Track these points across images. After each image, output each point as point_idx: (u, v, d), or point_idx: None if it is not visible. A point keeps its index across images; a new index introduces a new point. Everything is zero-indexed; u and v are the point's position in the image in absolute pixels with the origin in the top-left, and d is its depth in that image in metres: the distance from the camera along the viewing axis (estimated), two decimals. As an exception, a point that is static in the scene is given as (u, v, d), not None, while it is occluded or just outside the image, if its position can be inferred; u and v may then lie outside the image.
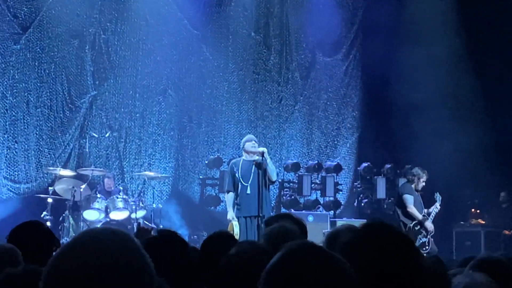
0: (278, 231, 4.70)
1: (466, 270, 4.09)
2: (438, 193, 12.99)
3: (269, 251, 3.76)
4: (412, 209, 12.74)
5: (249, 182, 11.18)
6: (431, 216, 12.76)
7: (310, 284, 2.03)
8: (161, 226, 13.94)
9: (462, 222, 16.36)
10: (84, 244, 1.75)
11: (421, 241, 12.67)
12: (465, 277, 3.28)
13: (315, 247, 2.15)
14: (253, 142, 11.31)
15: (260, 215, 10.74)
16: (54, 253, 1.78)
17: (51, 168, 13.61)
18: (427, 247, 12.66)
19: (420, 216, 12.69)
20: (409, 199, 12.86)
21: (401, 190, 13.38)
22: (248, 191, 11.17)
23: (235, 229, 10.95)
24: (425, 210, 12.87)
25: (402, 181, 15.20)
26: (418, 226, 12.71)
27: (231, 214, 11.19)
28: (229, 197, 11.44)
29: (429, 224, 12.67)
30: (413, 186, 12.92)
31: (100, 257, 1.71)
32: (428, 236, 12.74)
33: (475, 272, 3.43)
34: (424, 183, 12.92)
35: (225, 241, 4.39)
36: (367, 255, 2.38)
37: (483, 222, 16.31)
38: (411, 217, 12.74)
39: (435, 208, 12.79)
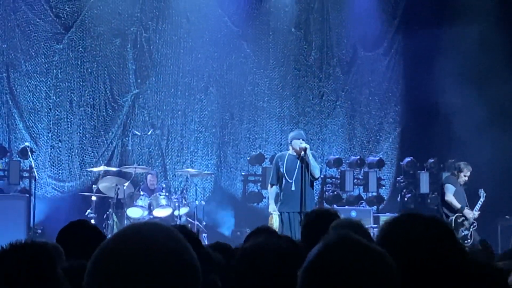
0: (349, 223, 4.69)
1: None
2: (482, 189, 12.91)
3: (284, 245, 3.78)
4: (450, 197, 12.72)
5: (294, 178, 11.18)
6: (474, 209, 12.71)
7: (352, 278, 2.01)
8: (204, 223, 14.01)
9: (507, 217, 16.13)
10: (127, 237, 1.75)
11: (463, 233, 12.60)
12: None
13: (354, 239, 2.12)
14: (301, 140, 11.25)
15: (303, 211, 10.74)
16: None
17: (95, 166, 13.75)
18: (469, 240, 12.57)
19: (458, 205, 12.61)
20: (450, 188, 12.85)
21: (443, 181, 13.35)
22: (293, 188, 11.16)
23: (275, 223, 10.98)
24: (468, 209, 12.85)
25: (445, 174, 15.10)
26: (461, 219, 12.65)
27: (272, 207, 11.22)
28: (272, 191, 11.47)
29: (468, 212, 12.60)
30: (456, 179, 12.87)
31: (143, 248, 1.70)
32: (471, 229, 12.65)
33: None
34: (467, 178, 12.84)
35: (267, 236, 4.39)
36: (401, 245, 2.35)
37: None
38: (452, 208, 12.68)
39: (480, 202, 12.74)
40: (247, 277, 3.42)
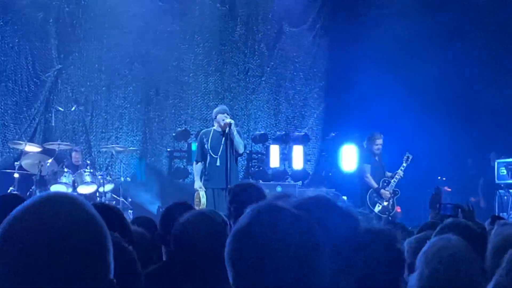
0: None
1: (435, 233, 4.14)
2: (408, 152, 13.12)
3: (217, 219, 3.85)
4: (368, 178, 12.89)
5: (219, 154, 11.22)
6: (394, 179, 12.89)
7: (280, 244, 2.05)
8: (130, 200, 13.92)
9: (428, 190, 16.44)
10: (34, 207, 1.74)
11: (380, 206, 12.78)
12: (440, 240, 3.31)
13: (280, 207, 2.17)
14: (226, 114, 11.30)
15: (229, 187, 10.77)
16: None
17: (17, 142, 13.46)
18: (390, 211, 12.79)
19: (375, 185, 12.81)
20: (365, 168, 13.01)
21: (358, 160, 13.54)
22: (218, 163, 11.21)
23: (202, 199, 10.99)
24: (389, 174, 13.03)
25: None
26: (375, 194, 12.85)
27: (198, 184, 11.25)
28: (197, 167, 11.48)
29: (384, 192, 12.80)
30: (370, 153, 13.05)
31: (52, 217, 1.70)
32: (390, 200, 12.83)
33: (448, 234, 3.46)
34: (380, 146, 13.01)
35: (183, 210, 4.43)
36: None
37: (449, 190, 16.44)
38: (368, 186, 12.89)
39: (400, 171, 12.92)
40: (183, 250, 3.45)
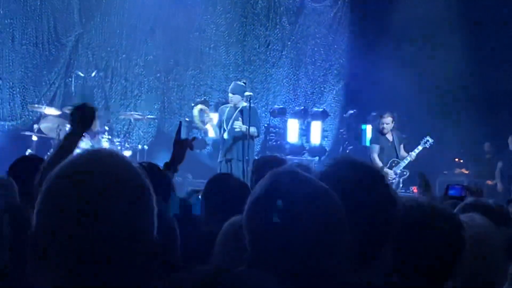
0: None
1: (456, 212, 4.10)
2: (428, 137, 13.02)
3: None
4: (373, 158, 12.84)
5: (228, 128, 11.60)
6: (404, 160, 12.82)
7: (300, 211, 2.02)
8: (146, 167, 13.93)
9: (445, 172, 16.40)
10: (80, 162, 1.73)
11: None
12: (464, 217, 3.27)
13: (303, 174, 2.13)
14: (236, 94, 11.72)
15: (245, 158, 11.23)
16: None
17: (36, 106, 13.47)
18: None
19: (379, 164, 12.70)
20: (373, 147, 12.98)
21: (368, 140, 13.56)
22: (226, 136, 11.62)
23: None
24: (405, 154, 12.96)
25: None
26: None
27: None
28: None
29: (387, 171, 12.69)
30: (380, 134, 13.01)
31: (98, 173, 1.69)
32: (394, 180, 12.75)
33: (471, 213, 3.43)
34: (388, 125, 12.93)
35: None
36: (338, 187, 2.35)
37: (467, 172, 16.38)
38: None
39: (413, 153, 12.84)
40: None
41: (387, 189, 2.52)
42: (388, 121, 12.94)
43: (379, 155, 12.94)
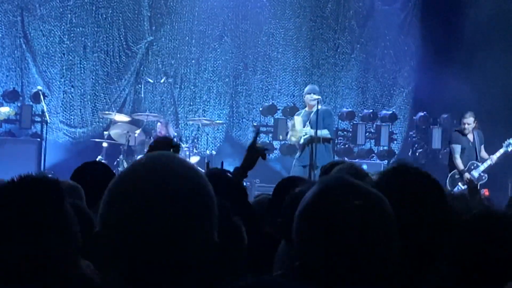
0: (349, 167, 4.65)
1: None
2: (511, 139, 12.70)
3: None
4: (456, 159, 12.54)
5: (304, 134, 11.60)
6: (485, 163, 12.56)
7: (349, 221, 1.99)
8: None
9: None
10: (145, 165, 1.79)
11: (460, 188, 12.39)
12: None
13: (350, 181, 2.10)
14: (312, 94, 11.63)
15: (314, 164, 11.16)
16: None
17: (107, 112, 13.72)
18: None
19: (461, 167, 12.44)
20: (455, 148, 12.69)
21: (449, 140, 13.27)
22: (302, 141, 11.59)
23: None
24: (486, 156, 12.64)
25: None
26: (457, 176, 12.51)
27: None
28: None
29: (467, 175, 12.41)
30: (460, 134, 12.72)
31: (162, 175, 1.74)
32: (475, 183, 12.45)
33: None
34: (470, 125, 12.63)
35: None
36: (391, 196, 2.32)
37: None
38: (455, 167, 12.57)
39: (495, 156, 12.54)
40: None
41: (443, 199, 2.50)
42: (470, 121, 12.63)
43: (460, 156, 12.64)
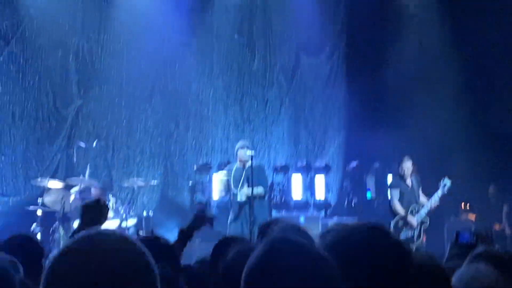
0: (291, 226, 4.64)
1: (465, 263, 4.08)
2: (446, 177, 12.68)
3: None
4: (395, 204, 12.62)
5: (239, 189, 11.45)
6: (426, 206, 12.64)
7: (294, 278, 2.00)
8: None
9: (452, 217, 16.32)
10: (82, 244, 1.75)
11: (407, 235, 12.45)
12: (468, 269, 3.26)
13: (295, 242, 2.12)
14: (246, 149, 11.54)
15: (251, 220, 11.05)
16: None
17: (39, 180, 13.48)
18: (416, 240, 12.46)
19: (402, 212, 12.51)
20: (393, 193, 12.78)
21: (389, 185, 13.38)
22: (238, 198, 11.45)
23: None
24: (424, 200, 12.72)
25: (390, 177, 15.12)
26: (401, 223, 12.55)
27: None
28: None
29: (411, 220, 12.48)
30: (400, 178, 12.83)
31: (101, 256, 1.71)
32: (418, 229, 12.52)
33: (478, 264, 3.41)
34: (406, 169, 12.76)
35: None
36: (354, 256, 2.33)
37: (474, 216, 16.27)
38: (394, 212, 12.63)
39: (435, 197, 12.55)
40: None
41: (395, 247, 2.51)
42: (408, 165, 12.78)
43: (398, 200, 12.69)
